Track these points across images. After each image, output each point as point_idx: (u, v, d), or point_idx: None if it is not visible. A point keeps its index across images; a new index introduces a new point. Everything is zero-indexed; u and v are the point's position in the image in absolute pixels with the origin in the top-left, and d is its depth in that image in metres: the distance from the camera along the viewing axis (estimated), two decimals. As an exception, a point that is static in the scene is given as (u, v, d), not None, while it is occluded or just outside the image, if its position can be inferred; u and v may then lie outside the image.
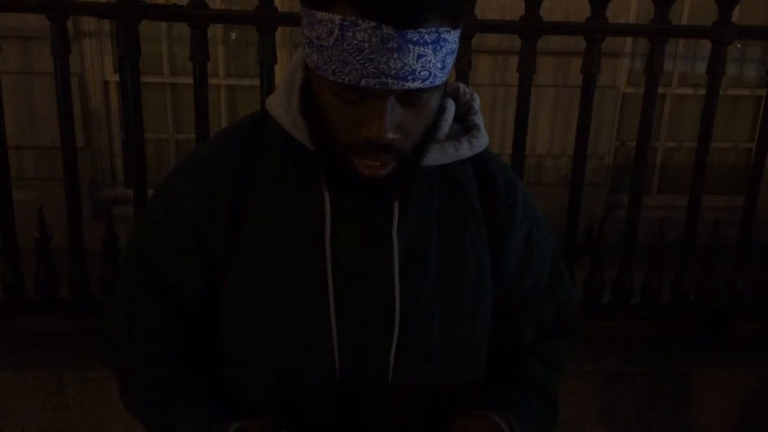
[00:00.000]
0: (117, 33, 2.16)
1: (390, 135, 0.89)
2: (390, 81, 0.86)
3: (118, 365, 1.12)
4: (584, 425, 2.44)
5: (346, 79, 0.87)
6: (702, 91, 2.37)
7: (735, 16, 2.95)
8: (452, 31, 0.89)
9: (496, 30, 2.31)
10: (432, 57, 0.87)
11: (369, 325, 1.02)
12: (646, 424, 2.47)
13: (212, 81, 3.27)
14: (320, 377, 1.03)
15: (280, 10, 2.18)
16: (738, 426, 2.49)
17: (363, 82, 0.86)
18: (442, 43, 0.88)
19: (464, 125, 1.10)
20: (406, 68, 0.86)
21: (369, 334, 1.03)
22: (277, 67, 2.21)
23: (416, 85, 0.87)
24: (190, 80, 2.24)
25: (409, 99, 0.90)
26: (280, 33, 2.24)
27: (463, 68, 2.20)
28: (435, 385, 1.07)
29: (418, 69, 0.86)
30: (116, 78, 3.86)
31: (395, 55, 0.85)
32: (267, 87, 2.17)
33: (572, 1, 3.49)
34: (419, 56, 0.86)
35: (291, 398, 1.04)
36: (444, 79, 0.92)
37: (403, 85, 0.87)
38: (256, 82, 2.23)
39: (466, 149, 1.06)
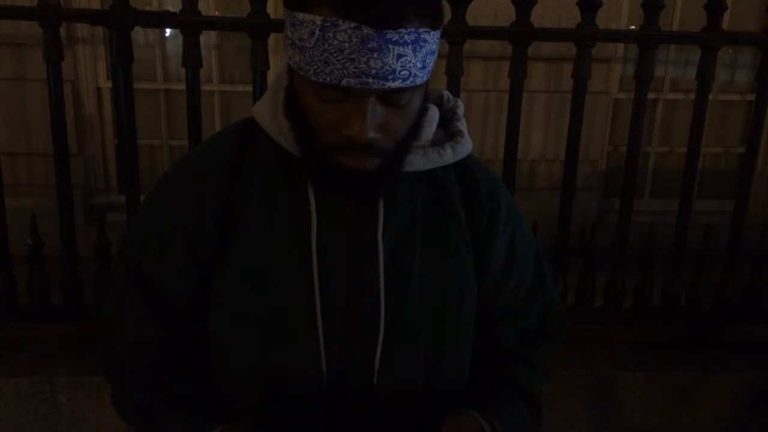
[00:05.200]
0: (110, 39, 2.16)
1: (371, 134, 0.91)
2: (370, 80, 0.87)
3: (110, 369, 1.13)
4: (576, 429, 2.44)
5: (327, 78, 0.88)
6: (693, 96, 2.39)
7: (726, 22, 2.97)
8: (432, 32, 0.91)
9: (487, 36, 2.32)
10: (412, 57, 0.88)
11: (355, 329, 1.04)
12: (637, 428, 2.48)
13: (205, 87, 3.28)
14: (307, 380, 1.04)
15: (272, 16, 2.19)
16: (730, 430, 2.50)
17: (344, 82, 0.88)
18: (422, 44, 0.89)
19: (448, 131, 1.12)
20: (386, 68, 0.87)
21: (355, 338, 1.04)
22: (269, 73, 2.21)
23: (396, 84, 0.89)
24: (183, 86, 2.24)
25: (391, 98, 0.92)
26: (272, 39, 2.25)
27: (455, 74, 2.21)
28: (420, 388, 1.08)
29: (398, 69, 0.88)
30: (109, 84, 3.86)
31: (375, 55, 0.86)
32: (259, 93, 2.18)
33: (564, 6, 3.51)
34: (399, 56, 0.87)
35: (278, 401, 1.05)
36: (425, 78, 0.93)
37: (384, 84, 0.88)
38: (249, 88, 2.23)
39: (449, 155, 1.08)
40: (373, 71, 0.87)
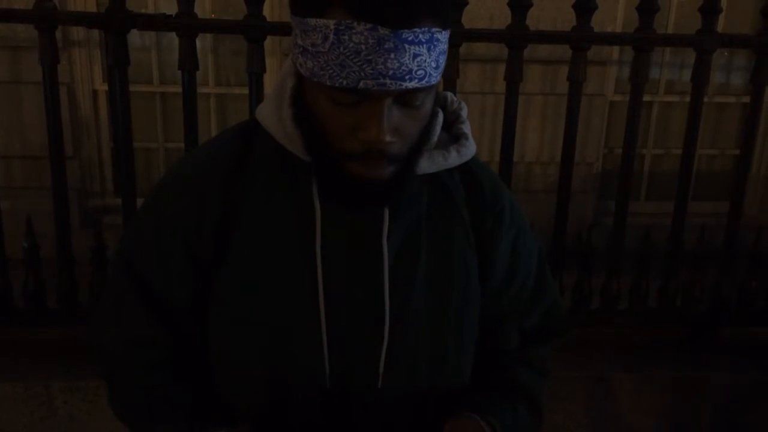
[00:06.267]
0: (106, 42, 2.16)
1: (388, 138, 0.90)
2: (388, 81, 0.87)
3: (106, 370, 1.12)
4: (573, 430, 2.45)
5: (344, 82, 0.88)
6: (688, 99, 2.40)
7: (720, 25, 2.98)
8: (443, 32, 0.91)
9: (483, 39, 2.33)
10: (427, 56, 0.88)
11: (359, 332, 1.03)
12: (634, 429, 2.48)
13: (201, 90, 3.28)
14: (310, 384, 1.03)
15: (269, 19, 2.19)
16: (726, 430, 2.51)
17: (361, 84, 0.87)
18: (435, 43, 0.89)
19: (452, 134, 1.11)
20: (403, 68, 0.87)
21: (359, 341, 1.03)
22: (266, 76, 2.22)
23: (413, 84, 0.88)
24: (179, 89, 2.24)
25: (406, 100, 0.91)
26: (269, 42, 2.25)
27: (451, 76, 2.21)
28: (423, 391, 1.08)
29: (415, 68, 0.88)
30: (105, 87, 3.86)
31: (392, 56, 0.86)
32: (256, 96, 2.18)
33: (560, 9, 3.52)
34: (415, 56, 0.87)
35: (279, 404, 1.05)
36: (438, 78, 0.93)
37: (401, 85, 0.88)
38: (246, 90, 2.23)
39: (454, 158, 1.07)
40: (391, 72, 0.86)
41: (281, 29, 2.21)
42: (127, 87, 2.19)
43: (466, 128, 1.12)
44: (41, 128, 2.30)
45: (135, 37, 3.82)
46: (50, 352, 2.33)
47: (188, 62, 2.16)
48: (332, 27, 0.87)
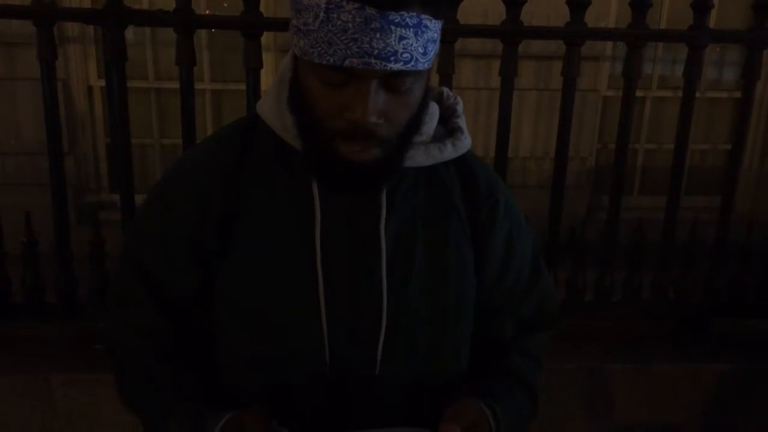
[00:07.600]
0: (102, 38, 2.16)
1: (373, 119, 0.93)
2: (373, 61, 0.90)
3: (116, 361, 1.15)
4: (567, 421, 2.47)
5: (331, 59, 0.90)
6: (681, 94, 2.42)
7: (712, 21, 3.00)
8: (433, 20, 0.93)
9: (478, 35, 2.35)
10: (413, 41, 0.91)
11: (357, 320, 1.06)
12: (627, 420, 2.51)
13: (198, 86, 3.28)
14: (311, 370, 1.06)
15: (265, 15, 2.20)
16: (717, 422, 2.54)
17: (347, 62, 0.90)
18: (424, 29, 0.92)
19: (448, 128, 1.14)
20: (388, 48, 0.89)
21: (358, 329, 1.06)
22: (262, 72, 2.23)
23: (398, 66, 0.91)
24: (175, 85, 2.25)
25: (392, 84, 0.94)
26: (265, 37, 2.26)
27: (446, 72, 2.23)
28: (421, 378, 1.10)
29: (400, 50, 0.90)
30: (100, 83, 3.87)
31: (378, 35, 0.89)
32: (253, 91, 2.19)
33: (553, 5, 3.53)
34: (401, 38, 0.90)
35: (282, 391, 1.07)
36: (426, 66, 0.96)
37: (385, 65, 0.90)
38: (242, 86, 2.24)
39: (450, 151, 1.10)
40: (376, 51, 0.89)
41: (278, 25, 2.22)
42: (125, 83, 2.20)
43: (462, 122, 1.14)
44: (36, 124, 2.30)
45: (130, 32, 3.82)
46: (49, 347, 2.34)
47: (185, 58, 2.17)
48: (323, 5, 0.90)
